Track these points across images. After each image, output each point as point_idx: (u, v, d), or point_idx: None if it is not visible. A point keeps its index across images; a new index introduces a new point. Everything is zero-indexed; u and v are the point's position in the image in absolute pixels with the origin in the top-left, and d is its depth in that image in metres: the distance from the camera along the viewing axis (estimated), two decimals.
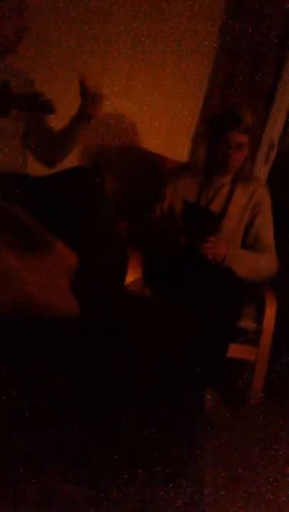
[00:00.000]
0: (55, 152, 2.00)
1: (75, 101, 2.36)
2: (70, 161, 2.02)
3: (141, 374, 0.91)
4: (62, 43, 2.32)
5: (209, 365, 1.80)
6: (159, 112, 2.54)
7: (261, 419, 2.06)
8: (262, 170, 2.68)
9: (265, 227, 2.19)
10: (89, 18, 2.35)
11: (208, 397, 1.90)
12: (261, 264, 2.12)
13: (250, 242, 2.17)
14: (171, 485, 0.89)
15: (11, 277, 0.79)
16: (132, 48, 2.44)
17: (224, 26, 2.52)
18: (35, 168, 1.99)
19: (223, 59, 2.54)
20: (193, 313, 1.70)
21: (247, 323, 2.08)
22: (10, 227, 0.86)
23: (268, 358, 2.08)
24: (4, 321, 0.79)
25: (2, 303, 0.79)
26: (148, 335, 1.00)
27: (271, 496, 1.50)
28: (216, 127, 2.08)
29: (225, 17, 2.52)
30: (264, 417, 2.06)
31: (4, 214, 0.85)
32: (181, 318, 1.25)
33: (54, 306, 0.85)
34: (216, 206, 2.15)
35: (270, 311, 2.08)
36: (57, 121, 2.27)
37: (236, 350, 2.04)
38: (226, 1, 2.52)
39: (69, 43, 2.33)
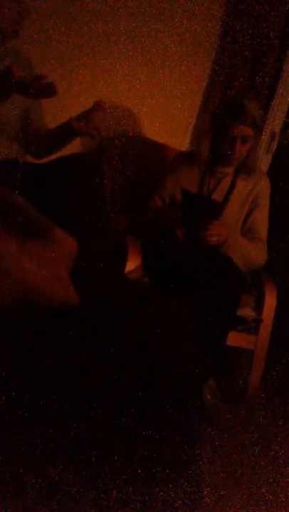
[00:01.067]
0: (44, 149, 1.98)
1: (74, 101, 2.37)
2: (69, 148, 2.02)
3: (140, 362, 0.91)
4: (62, 43, 2.32)
5: (208, 352, 1.80)
6: (158, 113, 2.54)
7: (261, 419, 2.06)
8: (263, 160, 2.67)
9: (261, 219, 2.19)
10: (89, 18, 2.35)
11: (208, 397, 1.90)
12: (252, 254, 2.13)
13: (243, 232, 2.17)
14: (171, 485, 0.89)
15: (11, 265, 0.79)
16: (132, 49, 2.44)
17: (224, 26, 2.52)
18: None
19: (223, 59, 2.54)
20: (193, 301, 1.70)
21: (246, 312, 2.08)
22: (10, 214, 0.85)
23: (267, 348, 2.08)
24: (4, 309, 0.79)
25: (2, 290, 0.78)
26: (147, 323, 1.00)
27: (271, 497, 1.50)
28: (221, 120, 2.07)
29: (225, 17, 2.52)
30: (264, 418, 2.06)
31: (4, 202, 0.85)
32: (181, 307, 1.25)
33: (54, 293, 0.84)
34: (217, 196, 2.15)
35: (270, 301, 2.08)
36: (56, 123, 2.27)
37: (235, 339, 2.04)
38: (226, 1, 2.52)
39: (69, 44, 2.33)
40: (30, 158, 1.96)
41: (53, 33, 2.29)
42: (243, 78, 2.54)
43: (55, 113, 2.24)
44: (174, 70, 2.51)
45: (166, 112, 2.56)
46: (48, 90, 1.65)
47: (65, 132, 1.87)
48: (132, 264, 1.93)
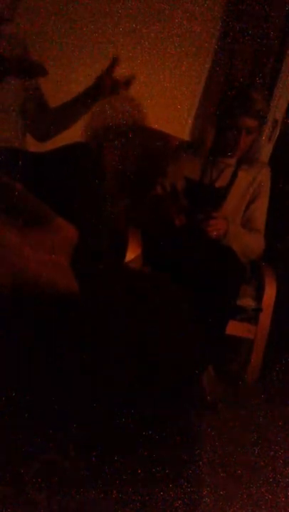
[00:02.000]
0: (52, 127, 1.96)
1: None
2: (70, 138, 2.01)
3: (140, 357, 0.90)
4: (62, 43, 2.31)
5: (208, 342, 1.80)
6: (158, 114, 2.54)
7: (260, 419, 2.06)
8: (265, 148, 2.66)
9: (260, 210, 2.19)
10: (89, 18, 2.34)
11: (208, 397, 1.90)
12: (251, 245, 2.13)
13: (243, 222, 2.17)
14: (170, 485, 0.89)
15: (9, 253, 0.79)
16: (132, 50, 2.44)
17: (224, 27, 2.52)
18: (35, 145, 1.98)
19: (224, 59, 2.54)
20: (193, 290, 1.70)
21: (246, 301, 2.08)
22: (9, 202, 0.85)
23: (267, 337, 2.09)
24: (3, 297, 0.78)
25: (1, 278, 0.78)
26: (147, 312, 1.00)
27: (271, 497, 1.50)
28: (226, 110, 2.06)
29: (225, 17, 2.52)
30: (263, 418, 2.06)
31: (3, 189, 0.85)
32: (181, 295, 1.25)
33: (53, 281, 0.84)
34: (219, 186, 2.14)
35: (270, 290, 2.09)
36: None
37: (235, 328, 2.05)
38: (225, 1, 2.52)
39: (69, 44, 2.32)
40: (31, 146, 1.94)
41: (52, 34, 2.29)
42: (243, 78, 2.54)
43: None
44: (174, 70, 2.51)
45: (166, 112, 2.56)
46: (39, 71, 1.65)
47: (86, 96, 1.83)
48: (132, 254, 1.93)
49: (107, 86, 1.77)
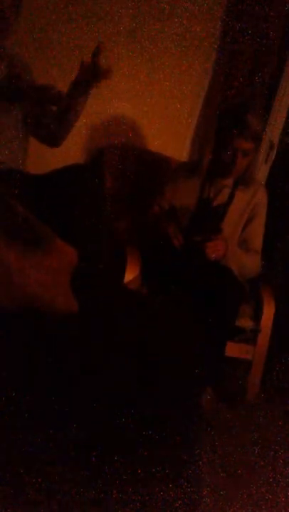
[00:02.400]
0: (58, 128, 1.96)
1: None
2: (70, 159, 2.02)
3: (139, 371, 0.91)
4: (62, 43, 2.32)
5: (207, 363, 1.80)
6: (158, 113, 2.54)
7: (260, 419, 2.06)
8: (262, 170, 2.68)
9: (257, 231, 2.21)
10: (89, 18, 2.35)
11: (208, 397, 1.90)
12: (248, 265, 2.14)
13: (240, 242, 2.18)
14: (170, 485, 0.89)
15: (10, 274, 0.79)
16: (132, 49, 2.44)
17: (224, 26, 2.52)
18: (35, 167, 1.99)
19: (224, 59, 2.54)
20: (191, 311, 1.70)
21: (245, 321, 2.08)
22: (10, 222, 0.86)
23: (265, 358, 2.09)
24: (4, 318, 0.79)
25: (1, 299, 0.78)
26: (146, 333, 1.00)
27: (271, 497, 1.50)
28: (223, 132, 2.08)
29: (225, 17, 2.52)
30: (263, 418, 2.06)
31: (4, 209, 0.85)
32: (179, 316, 1.25)
33: (53, 303, 0.85)
34: (216, 207, 2.15)
35: (268, 311, 2.09)
36: None
37: (234, 349, 2.05)
38: (226, 1, 2.52)
39: (69, 44, 2.33)
40: (31, 168, 1.95)
41: (52, 33, 2.29)
42: (243, 78, 2.54)
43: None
44: (174, 70, 2.51)
45: (166, 112, 2.56)
46: (57, 99, 1.66)
47: (76, 87, 1.83)
48: (130, 274, 1.94)
49: (95, 69, 1.76)
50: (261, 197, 2.21)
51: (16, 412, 0.79)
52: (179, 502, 0.88)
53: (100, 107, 2.40)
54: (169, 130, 2.59)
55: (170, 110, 2.56)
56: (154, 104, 2.51)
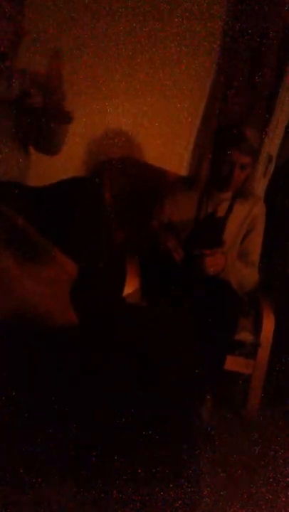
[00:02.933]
0: (58, 137, 1.96)
1: (75, 101, 2.36)
2: (70, 170, 2.02)
3: (139, 382, 0.91)
4: (62, 43, 2.31)
5: (206, 376, 1.81)
6: (158, 113, 2.54)
7: (260, 419, 2.06)
8: (260, 183, 2.68)
9: (255, 244, 2.21)
10: (89, 18, 2.34)
11: (205, 417, 1.90)
12: (246, 278, 2.16)
13: (237, 255, 2.19)
14: (171, 485, 0.89)
15: (11, 285, 0.80)
16: (132, 49, 2.44)
17: (225, 27, 2.52)
18: (35, 179, 1.98)
19: (224, 59, 2.54)
20: (191, 324, 1.71)
21: (244, 335, 2.08)
22: (10, 236, 0.86)
23: (265, 372, 2.08)
24: (4, 329, 0.79)
25: (1, 310, 0.79)
26: (146, 345, 1.01)
27: (271, 497, 1.50)
28: (220, 146, 2.09)
29: (225, 17, 2.52)
30: (263, 418, 2.06)
31: (5, 222, 0.86)
32: (179, 329, 1.26)
33: (53, 314, 0.85)
34: (215, 221, 2.16)
35: (268, 325, 2.08)
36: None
37: (233, 363, 2.04)
38: (226, 1, 2.51)
39: (69, 44, 2.32)
40: (32, 180, 1.95)
41: (52, 33, 2.28)
42: (243, 78, 2.54)
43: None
44: (174, 69, 2.51)
45: (166, 112, 2.56)
46: (67, 119, 1.68)
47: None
48: (130, 288, 1.94)
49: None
50: (259, 210, 2.22)
51: (16, 412, 0.79)
52: (179, 502, 0.88)
53: (99, 106, 2.41)
54: (169, 130, 2.59)
55: (170, 110, 2.56)
56: (154, 104, 2.51)
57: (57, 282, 0.88)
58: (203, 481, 1.05)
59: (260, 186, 2.68)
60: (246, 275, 2.15)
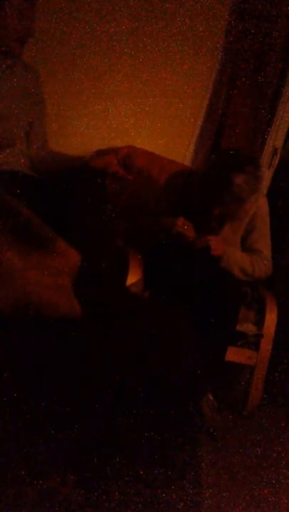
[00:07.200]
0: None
1: (76, 101, 2.36)
2: (72, 160, 2.01)
3: (141, 376, 0.90)
4: (65, 43, 2.31)
5: (208, 367, 1.80)
6: (161, 113, 2.53)
7: (263, 421, 2.05)
8: (265, 175, 2.67)
9: (261, 239, 2.20)
10: (91, 18, 2.34)
11: (210, 398, 1.89)
12: (254, 264, 2.14)
13: (244, 250, 2.18)
14: (172, 487, 0.88)
15: (13, 275, 0.79)
16: (135, 49, 2.43)
17: (227, 27, 2.52)
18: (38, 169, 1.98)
19: (227, 59, 2.53)
20: (193, 315, 1.70)
21: (247, 327, 2.07)
22: (14, 225, 0.85)
23: (268, 363, 2.07)
24: (6, 319, 0.78)
25: (4, 301, 0.78)
26: (147, 337, 1.00)
27: (273, 498, 1.49)
28: (217, 173, 2.02)
29: (228, 17, 2.51)
30: (265, 419, 2.06)
31: (8, 211, 0.85)
32: (181, 321, 1.25)
33: (56, 304, 0.84)
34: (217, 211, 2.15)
35: (271, 316, 2.07)
36: (59, 122, 2.27)
37: (235, 354, 2.03)
38: (229, 1, 2.51)
39: (71, 43, 2.32)
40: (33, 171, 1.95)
41: (54, 33, 2.28)
42: (247, 78, 2.53)
43: (57, 112, 2.24)
44: (177, 69, 2.50)
45: (169, 112, 2.55)
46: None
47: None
48: (133, 278, 1.93)
49: None
50: (261, 207, 2.21)
51: (16, 412, 0.78)
52: (181, 504, 0.87)
53: (102, 106, 2.40)
54: (172, 130, 2.58)
55: (173, 110, 2.55)
56: (157, 104, 2.50)
57: (60, 272, 0.87)
58: (206, 482, 1.04)
59: (265, 178, 2.66)
60: (254, 262, 2.13)
